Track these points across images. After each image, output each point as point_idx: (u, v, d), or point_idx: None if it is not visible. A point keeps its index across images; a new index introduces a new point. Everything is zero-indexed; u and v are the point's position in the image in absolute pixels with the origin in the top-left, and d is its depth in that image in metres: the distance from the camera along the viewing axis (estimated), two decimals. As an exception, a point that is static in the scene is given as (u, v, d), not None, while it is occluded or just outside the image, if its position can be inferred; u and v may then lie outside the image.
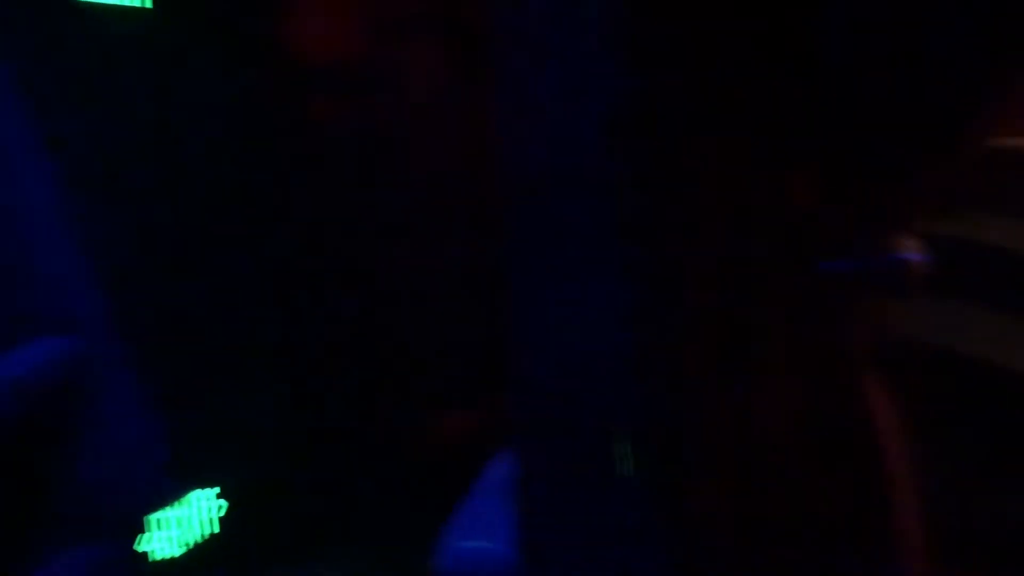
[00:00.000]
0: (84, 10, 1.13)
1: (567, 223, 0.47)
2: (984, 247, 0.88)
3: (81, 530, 1.12)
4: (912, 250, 0.53)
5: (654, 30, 0.46)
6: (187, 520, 1.31)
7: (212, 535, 1.34)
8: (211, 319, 1.30)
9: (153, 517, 1.22)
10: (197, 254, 1.18)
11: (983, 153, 0.56)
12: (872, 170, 0.47)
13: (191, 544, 1.30)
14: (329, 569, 1.35)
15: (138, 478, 1.23)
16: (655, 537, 0.49)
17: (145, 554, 1.22)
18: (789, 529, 0.49)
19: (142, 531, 1.21)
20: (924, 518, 0.56)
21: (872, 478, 0.52)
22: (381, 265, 1.29)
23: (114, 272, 1.13)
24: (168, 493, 1.26)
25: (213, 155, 1.18)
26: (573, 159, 0.46)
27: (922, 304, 0.60)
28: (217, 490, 1.33)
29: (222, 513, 1.34)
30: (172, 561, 1.25)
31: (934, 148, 0.48)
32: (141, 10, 1.15)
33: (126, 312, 1.16)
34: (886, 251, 0.51)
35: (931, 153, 0.49)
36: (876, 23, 0.44)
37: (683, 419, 0.48)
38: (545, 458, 0.51)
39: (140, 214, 1.17)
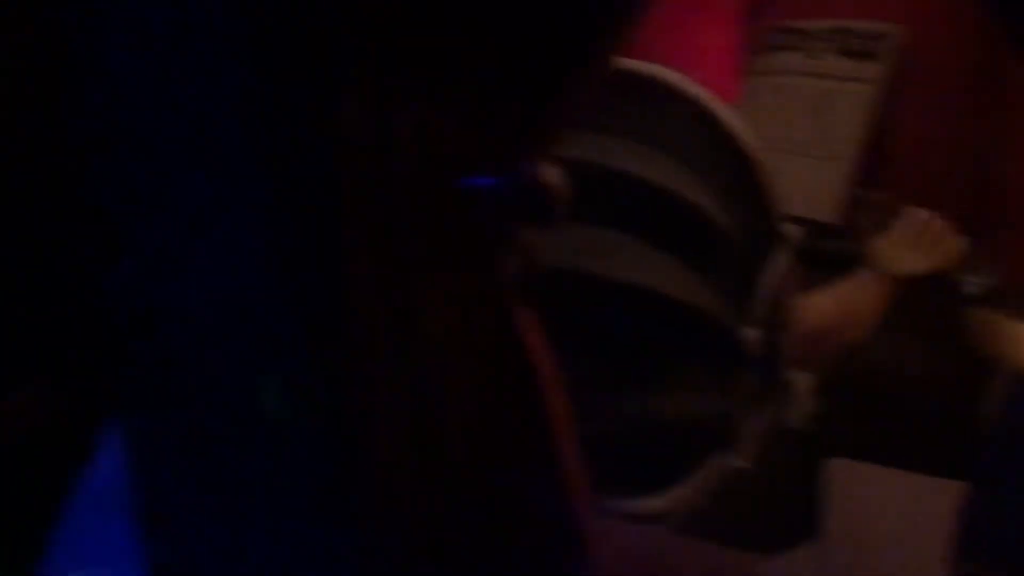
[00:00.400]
0: None
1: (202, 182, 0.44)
2: (610, 171, 0.99)
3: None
4: (552, 175, 0.54)
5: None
6: None
7: None
8: None
9: None
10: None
11: (609, 76, 0.57)
12: (509, 93, 0.47)
13: None
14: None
15: None
16: (326, 523, 0.44)
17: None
18: (469, 481, 0.46)
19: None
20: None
21: (536, 415, 0.50)
22: None
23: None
24: None
25: None
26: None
27: (559, 230, 0.58)
28: None
29: None
30: None
31: (568, 69, 0.49)
32: None
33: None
34: (528, 177, 0.51)
35: (565, 75, 0.49)
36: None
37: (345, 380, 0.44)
38: (178, 448, 0.43)
39: None
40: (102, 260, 0.47)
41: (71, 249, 0.53)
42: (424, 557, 0.45)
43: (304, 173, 0.43)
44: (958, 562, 1.09)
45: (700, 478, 1.15)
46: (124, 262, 0.46)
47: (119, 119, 0.46)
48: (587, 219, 1.13)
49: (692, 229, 1.17)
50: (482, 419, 0.47)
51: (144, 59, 0.45)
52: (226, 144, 0.44)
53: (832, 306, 1.45)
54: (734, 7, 2.03)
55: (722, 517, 1.16)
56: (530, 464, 0.50)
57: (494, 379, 0.51)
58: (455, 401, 0.46)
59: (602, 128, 1.11)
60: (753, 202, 1.23)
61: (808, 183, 1.75)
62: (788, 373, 1.30)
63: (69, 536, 0.52)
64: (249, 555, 0.43)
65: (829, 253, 1.59)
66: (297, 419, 0.43)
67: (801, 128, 1.82)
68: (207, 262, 0.45)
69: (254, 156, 0.44)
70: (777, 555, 1.26)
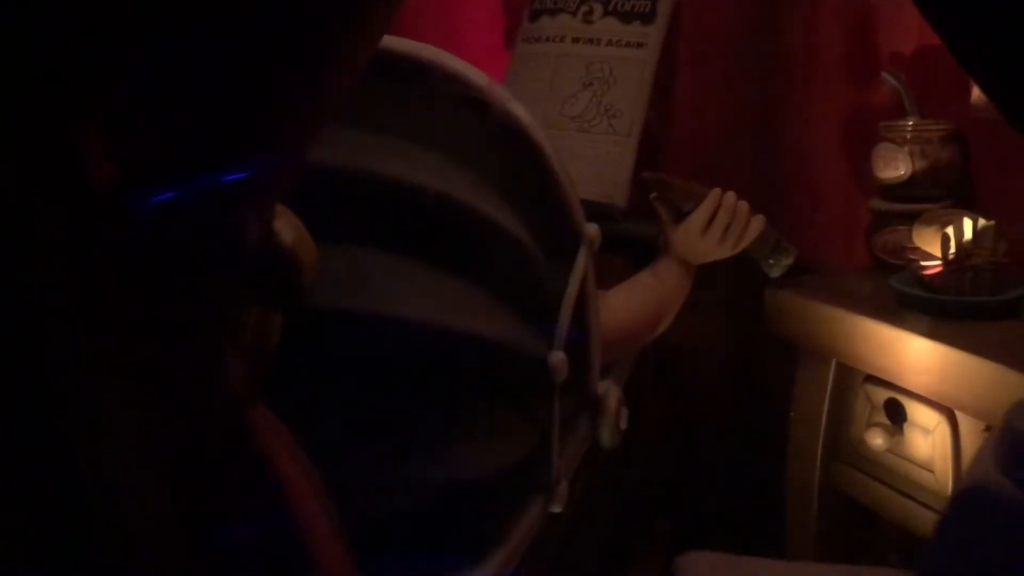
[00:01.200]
0: None
1: None
2: (366, 176, 0.82)
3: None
4: (290, 234, 0.49)
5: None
6: None
7: None
8: None
9: None
10: None
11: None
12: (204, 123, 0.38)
13: None
14: None
15: None
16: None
17: None
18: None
19: None
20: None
21: (284, 536, 0.47)
22: None
23: None
24: None
25: None
26: None
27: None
28: None
29: None
30: None
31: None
32: None
33: None
34: (256, 240, 0.44)
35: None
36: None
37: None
38: None
39: None
40: None
41: None
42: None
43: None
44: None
45: (519, 535, 0.95)
46: None
47: None
48: (343, 239, 0.87)
49: (477, 241, 0.94)
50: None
51: None
52: None
53: (636, 302, 1.30)
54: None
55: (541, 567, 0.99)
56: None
57: (224, 502, 0.44)
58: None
59: (351, 121, 0.87)
60: (546, 202, 1.02)
61: (590, 162, 1.59)
62: (598, 389, 1.12)
63: None
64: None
65: (620, 238, 1.46)
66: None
67: (578, 101, 1.66)
68: None
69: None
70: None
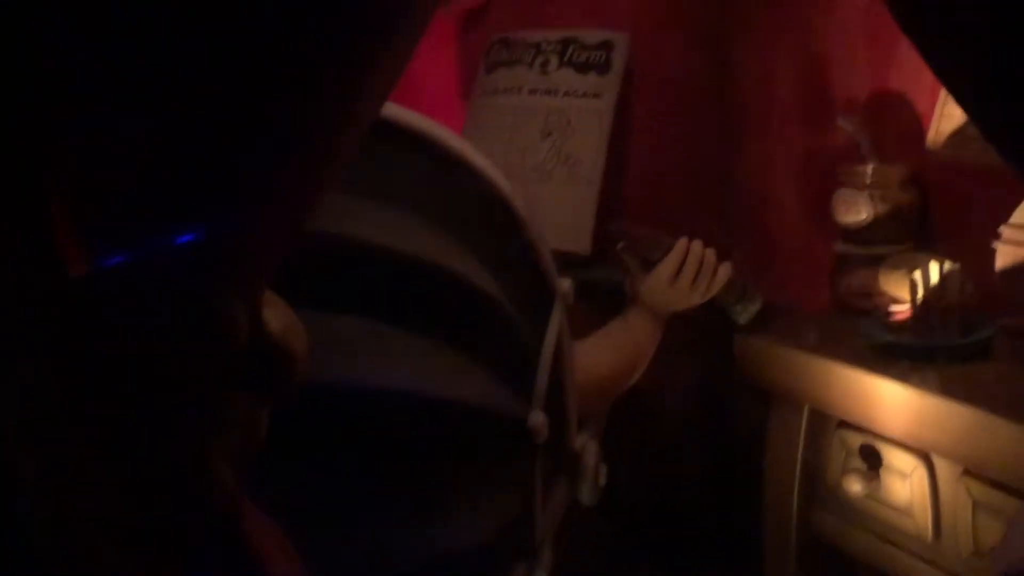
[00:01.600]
0: None
1: None
2: (337, 239, 0.78)
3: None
4: (281, 320, 0.47)
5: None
6: None
7: None
8: None
9: None
10: None
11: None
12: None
13: None
14: None
15: None
16: None
17: None
18: None
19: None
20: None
21: None
22: None
23: None
24: None
25: None
26: None
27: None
28: None
29: None
30: None
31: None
32: None
33: None
34: (243, 326, 0.42)
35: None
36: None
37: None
38: None
39: None
40: None
41: None
42: None
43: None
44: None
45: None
46: None
47: None
48: (310, 305, 0.82)
49: (451, 302, 0.90)
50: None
51: None
52: None
53: (609, 354, 1.28)
54: (443, 21, 1.83)
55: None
56: None
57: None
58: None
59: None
60: (518, 258, 0.99)
61: (552, 211, 1.58)
62: (576, 445, 1.09)
63: None
64: None
65: (586, 286, 1.45)
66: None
67: (537, 151, 1.65)
68: None
69: None
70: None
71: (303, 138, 0.40)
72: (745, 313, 1.36)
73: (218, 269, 0.42)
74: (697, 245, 1.31)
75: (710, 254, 1.31)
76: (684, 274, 1.28)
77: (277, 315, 0.47)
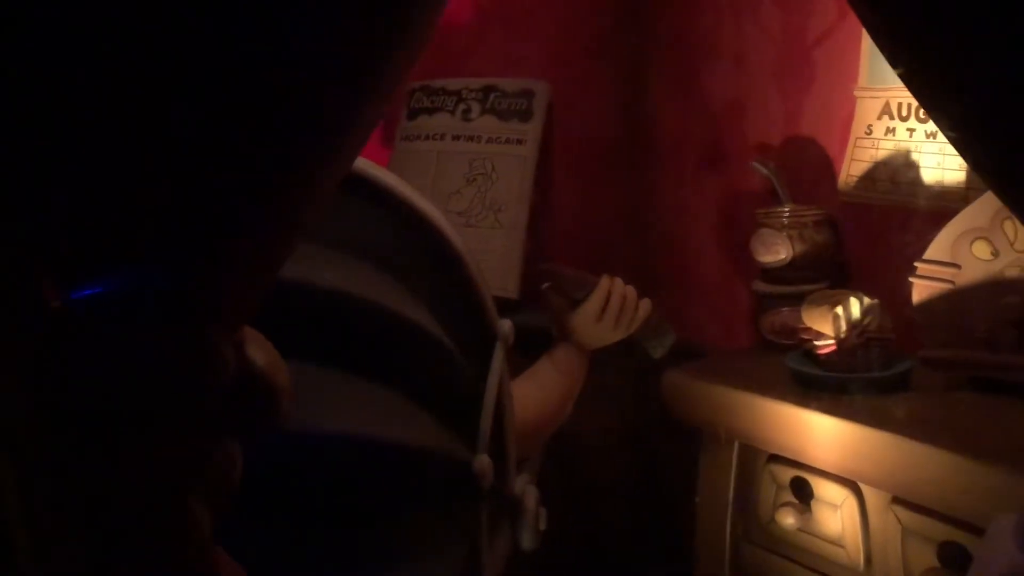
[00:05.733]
0: None
1: None
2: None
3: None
4: (264, 355, 0.47)
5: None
6: None
7: None
8: None
9: None
10: None
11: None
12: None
13: None
14: None
15: None
16: None
17: None
18: None
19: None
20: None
21: None
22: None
23: None
24: None
25: None
26: None
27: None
28: None
29: None
30: None
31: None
32: None
33: None
34: (225, 362, 0.42)
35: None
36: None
37: None
38: None
39: None
40: None
41: None
42: None
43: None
44: None
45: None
46: None
47: None
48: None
49: (393, 344, 0.89)
50: None
51: None
52: None
53: (540, 393, 1.29)
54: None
55: None
56: None
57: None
58: None
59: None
60: (459, 299, 0.99)
61: (479, 257, 1.58)
62: (517, 489, 1.08)
63: None
64: None
65: (519, 330, 1.45)
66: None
67: (462, 197, 1.66)
68: None
69: None
70: None
71: (287, 176, 0.39)
72: (661, 347, 1.39)
73: (205, 304, 0.40)
74: (619, 282, 1.35)
75: (631, 291, 1.35)
76: (609, 310, 1.32)
77: (261, 350, 0.45)
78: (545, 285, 1.37)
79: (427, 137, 1.69)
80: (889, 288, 1.36)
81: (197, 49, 0.32)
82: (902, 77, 0.41)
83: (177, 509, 0.41)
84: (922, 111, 1.36)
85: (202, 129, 0.34)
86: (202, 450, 0.43)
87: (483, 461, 0.91)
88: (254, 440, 0.48)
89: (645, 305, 1.36)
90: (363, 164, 0.90)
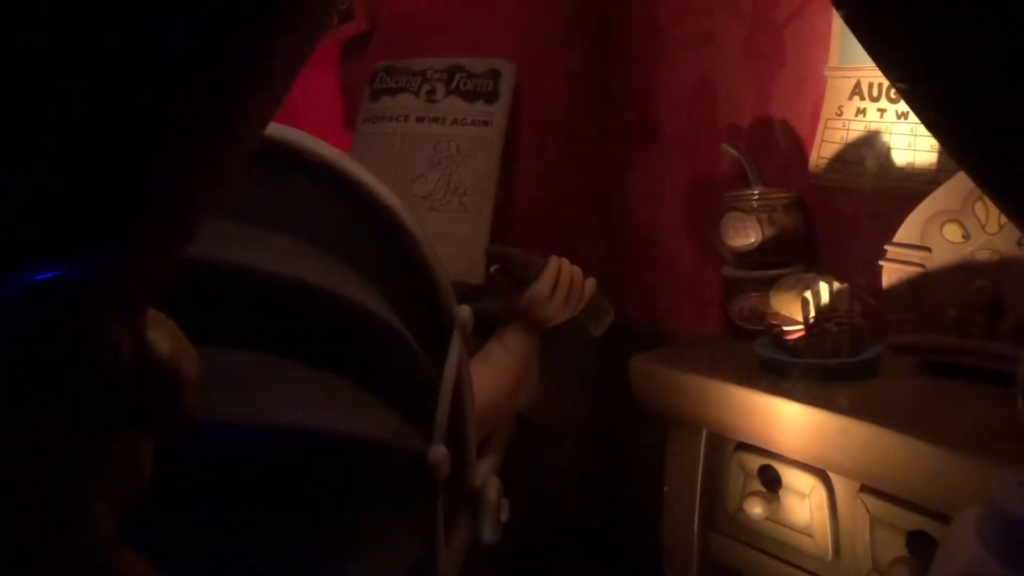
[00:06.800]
0: None
1: None
2: (221, 267, 0.76)
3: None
4: (169, 341, 0.44)
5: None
6: None
7: None
8: None
9: None
10: None
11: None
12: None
13: None
14: None
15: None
16: None
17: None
18: None
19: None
20: None
21: None
22: None
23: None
24: None
25: None
26: None
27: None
28: None
29: None
30: None
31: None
32: None
33: None
34: (129, 349, 0.40)
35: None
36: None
37: None
38: None
39: None
40: None
41: None
42: None
43: None
44: None
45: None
46: None
47: None
48: (201, 339, 0.75)
49: (345, 331, 0.85)
50: None
51: None
52: None
53: (493, 378, 1.26)
54: (324, 49, 1.78)
55: None
56: None
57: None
58: None
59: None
60: (415, 284, 0.95)
61: (443, 241, 1.54)
62: (477, 479, 1.05)
63: None
64: None
65: (483, 316, 1.44)
66: None
67: (426, 181, 1.62)
68: None
69: None
70: None
71: (186, 158, 0.36)
72: (602, 325, 1.40)
73: (95, 292, 0.37)
74: (566, 262, 1.35)
75: (577, 270, 1.36)
76: (559, 289, 1.33)
77: (164, 336, 0.41)
78: (493, 268, 1.36)
79: (390, 119, 1.65)
80: (859, 272, 1.33)
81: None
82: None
83: (71, 509, 0.39)
84: (893, 91, 1.34)
85: (73, 107, 0.32)
86: (96, 446, 0.40)
87: (439, 452, 0.87)
88: (164, 435, 0.44)
89: (591, 284, 1.37)
90: (314, 143, 0.86)
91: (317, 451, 0.77)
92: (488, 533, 1.03)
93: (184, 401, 0.42)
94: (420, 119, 1.64)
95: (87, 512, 0.39)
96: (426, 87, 1.66)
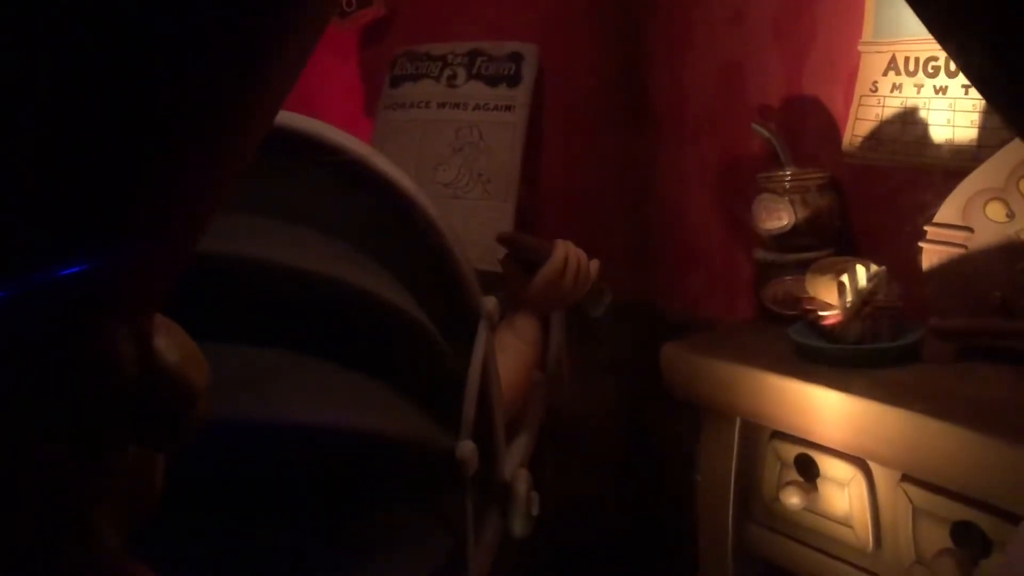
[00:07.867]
0: None
1: None
2: (240, 261, 0.76)
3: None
4: (175, 352, 0.42)
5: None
6: None
7: None
8: None
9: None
10: None
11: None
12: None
13: None
14: None
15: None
16: None
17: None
18: None
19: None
20: None
21: None
22: None
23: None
24: None
25: None
26: None
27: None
28: None
29: None
30: None
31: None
32: None
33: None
34: (135, 359, 0.38)
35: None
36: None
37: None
38: None
39: None
40: None
41: None
42: None
43: None
44: None
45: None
46: None
47: None
48: (224, 337, 0.74)
49: (373, 328, 0.83)
50: None
51: None
52: None
53: (508, 365, 1.25)
54: (343, 35, 1.76)
55: None
56: None
57: None
58: None
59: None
60: (441, 278, 0.93)
61: (467, 230, 1.52)
62: (507, 473, 1.03)
63: None
64: None
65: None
66: None
67: (449, 167, 1.59)
68: None
69: None
70: None
71: (192, 153, 0.35)
72: (601, 306, 1.42)
73: (96, 295, 0.35)
74: (572, 245, 1.35)
75: (583, 254, 1.36)
76: (568, 272, 1.33)
77: (173, 344, 0.39)
78: (504, 255, 1.36)
79: (411, 105, 1.62)
80: (897, 254, 1.29)
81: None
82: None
83: (77, 521, 0.37)
84: (931, 65, 1.29)
85: (102, 101, 0.30)
86: (101, 458, 0.38)
87: (467, 447, 0.85)
88: (174, 448, 0.42)
89: (595, 265, 1.38)
90: (337, 135, 0.83)
91: (341, 450, 0.74)
92: (518, 527, 1.01)
93: (193, 411, 0.39)
94: (441, 105, 1.61)
95: (93, 524, 0.38)
96: (447, 72, 1.63)
